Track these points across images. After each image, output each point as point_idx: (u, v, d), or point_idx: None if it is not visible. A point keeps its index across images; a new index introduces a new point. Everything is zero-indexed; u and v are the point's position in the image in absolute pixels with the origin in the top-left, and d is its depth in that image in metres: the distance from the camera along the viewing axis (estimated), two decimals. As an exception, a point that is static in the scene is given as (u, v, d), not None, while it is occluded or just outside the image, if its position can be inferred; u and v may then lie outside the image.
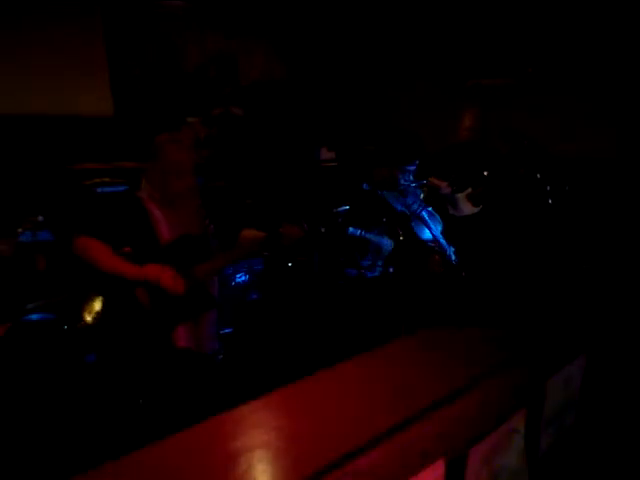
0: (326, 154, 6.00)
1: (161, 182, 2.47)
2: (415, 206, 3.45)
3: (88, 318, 2.96)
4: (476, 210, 3.84)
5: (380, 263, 3.52)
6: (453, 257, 3.57)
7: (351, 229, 3.43)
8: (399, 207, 3.53)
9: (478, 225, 3.89)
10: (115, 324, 2.46)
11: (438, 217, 3.66)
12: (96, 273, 2.36)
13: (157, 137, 2.52)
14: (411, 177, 3.57)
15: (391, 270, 3.45)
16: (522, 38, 5.19)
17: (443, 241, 3.57)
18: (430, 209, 3.58)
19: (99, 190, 4.11)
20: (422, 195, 3.66)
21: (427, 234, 3.57)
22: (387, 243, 3.44)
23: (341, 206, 3.57)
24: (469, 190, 3.82)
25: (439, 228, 3.61)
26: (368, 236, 3.43)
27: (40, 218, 3.63)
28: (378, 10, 5.97)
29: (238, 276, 3.90)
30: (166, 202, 2.49)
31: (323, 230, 3.17)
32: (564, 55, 4.96)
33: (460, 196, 3.83)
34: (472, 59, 5.53)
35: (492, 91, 5.35)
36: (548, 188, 3.75)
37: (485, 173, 3.94)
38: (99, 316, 2.60)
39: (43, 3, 4.84)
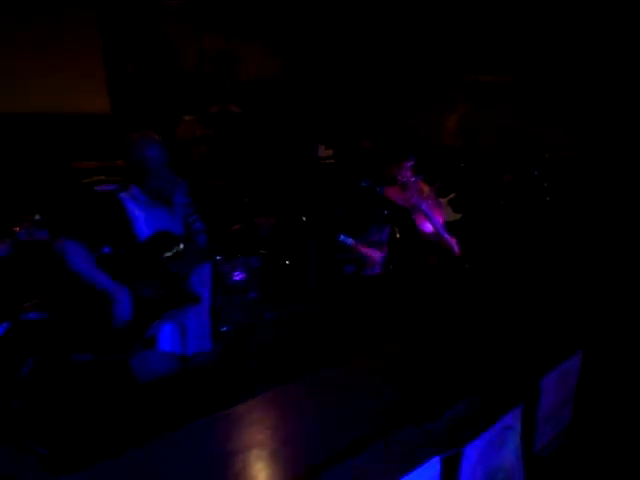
0: (324, 152, 5.99)
1: (136, 179, 2.47)
2: (415, 200, 3.47)
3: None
4: (457, 217, 3.82)
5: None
6: (455, 248, 3.58)
7: (342, 237, 3.44)
8: (399, 201, 3.55)
9: (475, 225, 3.89)
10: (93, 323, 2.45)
11: (439, 209, 3.68)
12: (71, 276, 2.34)
13: (130, 135, 2.51)
14: (409, 172, 3.59)
15: (391, 267, 3.45)
16: (520, 35, 5.19)
17: (445, 233, 3.58)
18: (430, 202, 3.59)
19: (97, 188, 4.10)
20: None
21: (428, 227, 3.59)
22: (378, 255, 3.44)
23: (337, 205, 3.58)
24: (452, 196, 3.82)
25: (440, 220, 3.62)
26: (359, 247, 3.42)
27: (37, 217, 3.62)
28: (375, 7, 5.97)
29: (235, 274, 3.88)
30: (144, 199, 2.49)
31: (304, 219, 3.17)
32: (561, 53, 4.96)
33: (443, 201, 3.82)
34: (470, 56, 5.53)
35: (489, 88, 5.35)
36: (545, 185, 3.76)
37: (468, 179, 3.93)
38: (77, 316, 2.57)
39: (41, 3, 4.84)
